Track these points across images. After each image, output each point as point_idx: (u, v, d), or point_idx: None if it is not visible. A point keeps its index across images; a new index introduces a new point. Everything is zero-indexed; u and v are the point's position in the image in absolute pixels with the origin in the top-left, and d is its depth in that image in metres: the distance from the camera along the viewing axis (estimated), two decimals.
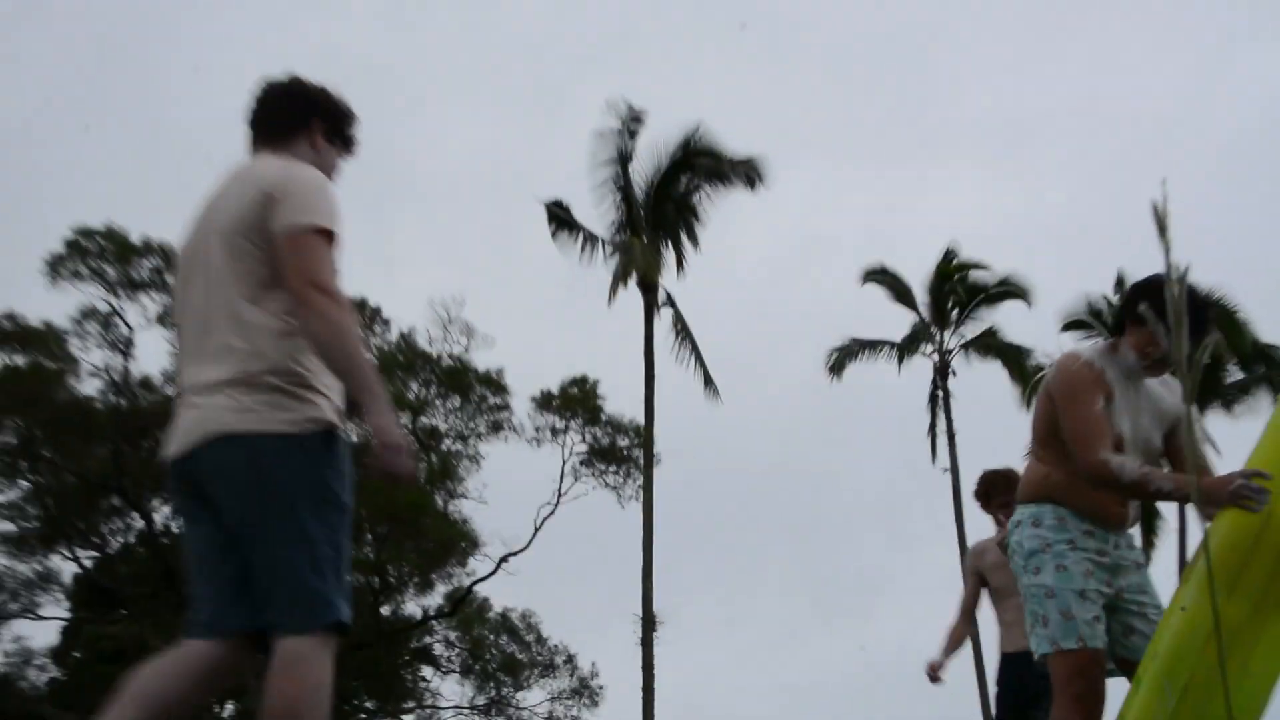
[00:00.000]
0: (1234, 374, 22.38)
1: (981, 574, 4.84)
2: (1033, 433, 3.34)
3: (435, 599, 21.58)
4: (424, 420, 21.45)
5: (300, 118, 2.63)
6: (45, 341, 18.19)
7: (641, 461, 19.69)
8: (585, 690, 22.43)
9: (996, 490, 4.79)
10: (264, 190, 2.40)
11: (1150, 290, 3.12)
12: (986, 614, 4.98)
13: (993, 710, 4.97)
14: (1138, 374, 3.29)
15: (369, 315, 20.74)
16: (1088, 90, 55.08)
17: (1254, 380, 22.20)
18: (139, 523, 19.03)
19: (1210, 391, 21.93)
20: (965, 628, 4.95)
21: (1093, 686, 3.04)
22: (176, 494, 2.50)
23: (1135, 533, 3.48)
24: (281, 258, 2.38)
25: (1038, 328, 34.05)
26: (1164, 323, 2.76)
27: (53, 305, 21.45)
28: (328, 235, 2.38)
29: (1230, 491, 2.87)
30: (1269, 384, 22.02)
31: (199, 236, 2.50)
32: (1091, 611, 3.09)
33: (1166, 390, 3.38)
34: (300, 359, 2.41)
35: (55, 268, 17.78)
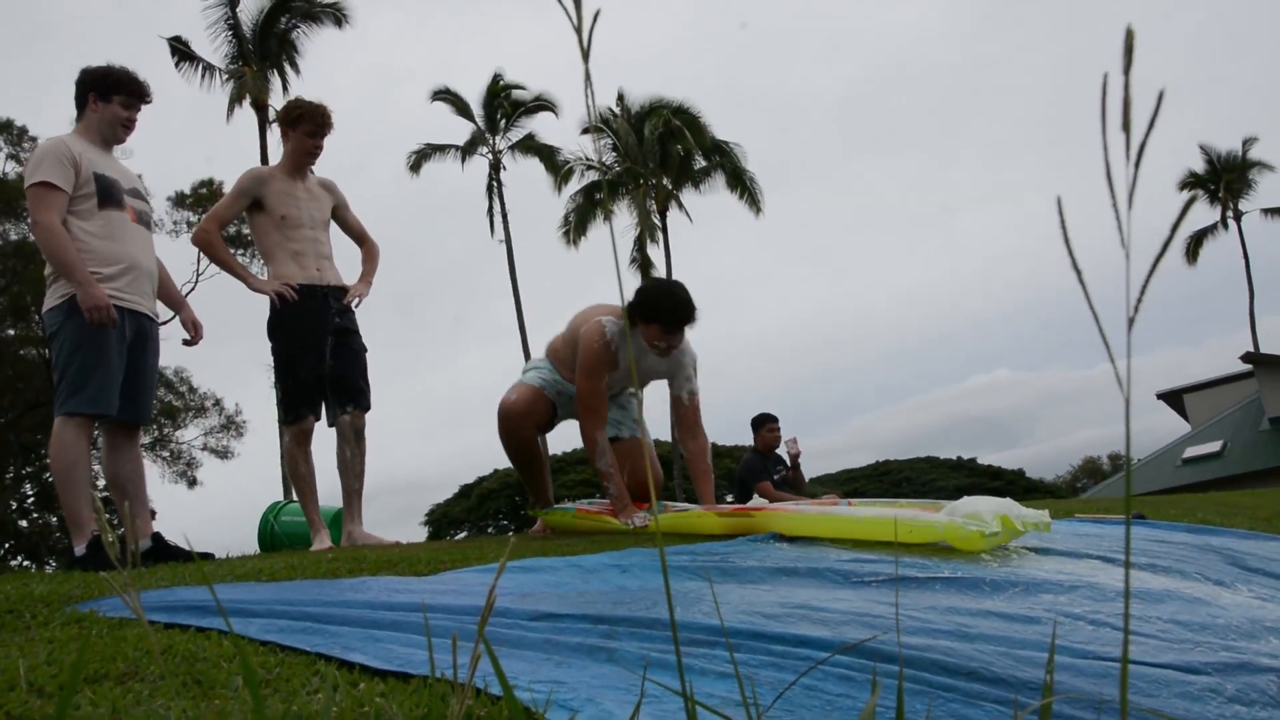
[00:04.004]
0: (699, 162, 26.96)
1: (259, 199, 4.24)
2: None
3: None
4: None
5: (81, 97, 3.72)
6: None
7: None
8: (232, 425, 25.84)
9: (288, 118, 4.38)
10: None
11: (648, 299, 3.58)
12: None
13: None
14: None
15: (16, 133, 22.72)
16: None
17: (713, 166, 26.99)
18: None
19: (684, 176, 26.65)
20: (211, 233, 4.34)
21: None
22: None
23: None
24: None
25: (564, 132, 39.20)
26: (660, 325, 3.57)
27: None
28: (41, 184, 3.50)
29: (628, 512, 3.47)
30: (722, 169, 26.68)
31: None
32: None
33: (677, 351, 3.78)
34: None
35: None
